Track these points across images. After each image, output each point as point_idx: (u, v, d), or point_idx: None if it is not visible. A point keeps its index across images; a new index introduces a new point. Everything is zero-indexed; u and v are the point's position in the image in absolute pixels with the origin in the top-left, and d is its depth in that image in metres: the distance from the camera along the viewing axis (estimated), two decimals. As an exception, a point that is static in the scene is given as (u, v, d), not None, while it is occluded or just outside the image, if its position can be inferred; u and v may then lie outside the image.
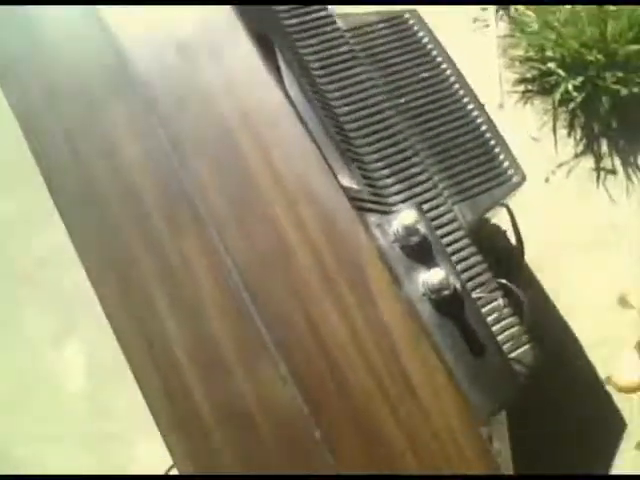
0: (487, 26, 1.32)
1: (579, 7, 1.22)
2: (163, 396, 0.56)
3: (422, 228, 0.61)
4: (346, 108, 0.77)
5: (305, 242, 0.60)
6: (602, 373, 1.09)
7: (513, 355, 0.67)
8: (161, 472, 0.81)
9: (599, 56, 1.17)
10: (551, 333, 1.10)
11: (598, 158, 1.24)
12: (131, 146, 0.62)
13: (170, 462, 0.52)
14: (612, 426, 1.08)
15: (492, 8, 1.32)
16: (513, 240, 0.97)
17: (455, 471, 0.53)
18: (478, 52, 1.31)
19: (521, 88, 1.28)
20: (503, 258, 0.91)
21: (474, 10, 1.33)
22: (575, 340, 1.11)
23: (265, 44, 0.69)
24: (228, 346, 0.56)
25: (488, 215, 0.94)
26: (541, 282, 1.14)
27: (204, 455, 0.51)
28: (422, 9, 1.30)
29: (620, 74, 1.18)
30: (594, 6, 1.20)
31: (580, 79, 1.19)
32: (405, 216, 0.59)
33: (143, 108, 0.60)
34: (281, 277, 0.59)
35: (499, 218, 1.01)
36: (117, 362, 1.12)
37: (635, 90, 1.18)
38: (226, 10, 0.64)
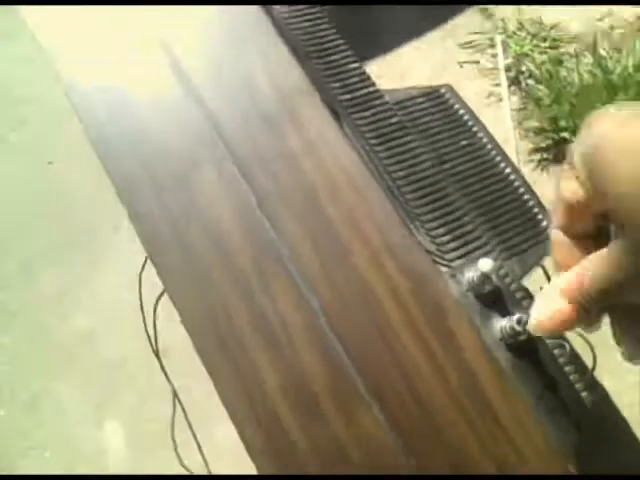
0: (500, 100, 1.41)
1: (589, 80, 1.32)
2: (268, 449, 0.58)
3: (494, 277, 0.66)
4: (401, 173, 0.83)
5: (388, 289, 0.64)
6: None
7: (583, 395, 0.70)
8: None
9: None
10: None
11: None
12: (224, 210, 0.67)
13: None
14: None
15: (505, 83, 1.41)
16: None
17: None
18: (494, 125, 1.39)
19: (537, 157, 1.36)
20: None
21: (487, 85, 1.43)
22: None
23: (332, 112, 0.75)
24: (321, 388, 0.59)
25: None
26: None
27: None
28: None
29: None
30: (604, 77, 1.30)
31: None
32: (483, 264, 0.64)
33: (232, 170, 0.65)
34: (367, 320, 0.62)
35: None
36: (156, 436, 1.12)
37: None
38: (302, 76, 0.70)
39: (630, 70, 1.30)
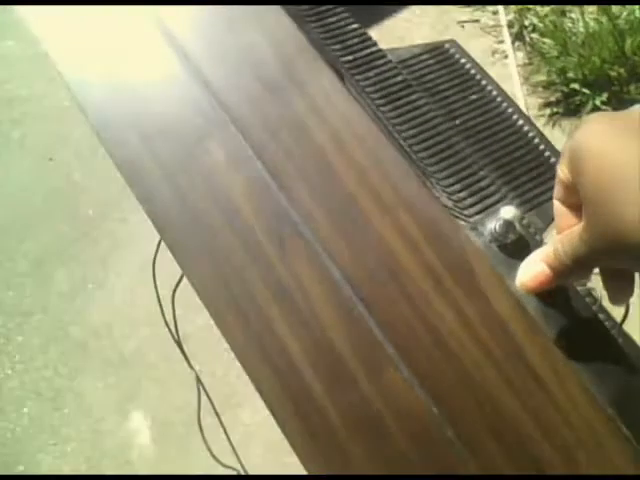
0: (506, 57, 1.37)
1: (596, 28, 1.28)
2: (295, 416, 0.56)
3: (518, 225, 0.63)
4: (411, 132, 0.80)
5: (407, 246, 0.61)
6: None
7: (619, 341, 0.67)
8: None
9: (621, 70, 1.21)
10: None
11: None
12: (232, 176, 0.64)
13: None
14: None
15: (508, 40, 1.37)
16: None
17: (590, 454, 0.53)
18: (500, 83, 1.35)
19: (547, 112, 1.32)
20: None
21: (491, 43, 1.39)
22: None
23: (336, 72, 0.72)
24: (348, 353, 0.56)
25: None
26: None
27: (338, 460, 0.51)
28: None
29: (644, 86, 1.23)
30: (610, 25, 1.26)
31: (605, 95, 1.23)
32: (506, 212, 0.61)
33: (239, 141, 0.63)
34: (391, 282, 0.60)
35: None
36: (181, 424, 1.11)
37: (661, 98, 1.23)
38: (304, 41, 0.67)
39: (637, 14, 1.26)
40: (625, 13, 1.25)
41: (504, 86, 1.38)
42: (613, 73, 1.21)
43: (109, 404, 1.19)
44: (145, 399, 1.20)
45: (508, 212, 0.60)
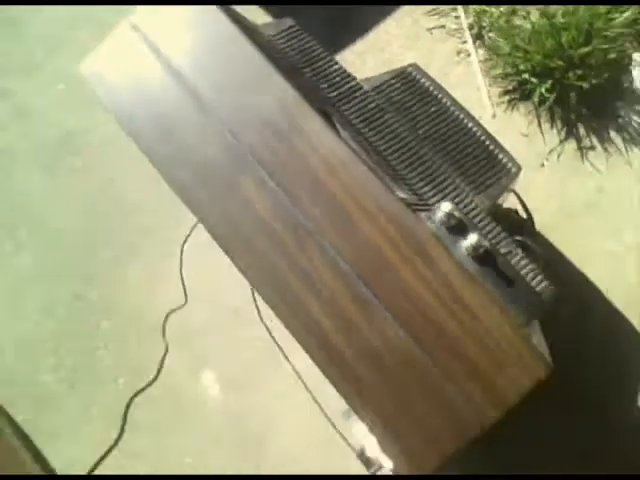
0: (469, 55, 1.64)
1: (538, 26, 1.54)
2: (325, 355, 0.88)
3: (457, 213, 0.92)
4: (385, 145, 1.09)
5: (382, 236, 0.92)
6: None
7: (537, 289, 0.98)
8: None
9: (560, 62, 1.48)
10: (571, 279, 1.41)
11: (579, 140, 1.54)
12: (261, 203, 0.95)
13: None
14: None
15: (470, 40, 1.64)
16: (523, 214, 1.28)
17: (504, 351, 0.84)
18: (467, 78, 1.62)
19: (506, 98, 1.59)
20: (519, 229, 1.22)
21: (456, 44, 1.65)
22: (590, 281, 1.41)
23: (324, 114, 1.01)
24: (352, 310, 0.88)
25: (502, 200, 1.25)
26: (555, 243, 1.44)
27: (355, 386, 0.83)
28: (416, 53, 1.65)
29: (579, 72, 1.48)
30: (548, 22, 1.51)
31: (550, 82, 1.50)
32: (444, 206, 0.91)
33: (263, 176, 0.93)
34: (376, 261, 0.91)
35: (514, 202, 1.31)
36: (246, 379, 1.43)
37: (593, 82, 1.48)
38: (296, 96, 0.96)
39: (570, 9, 1.51)
40: (560, 12, 1.50)
41: (468, 80, 1.70)
42: (554, 64, 1.48)
43: (184, 367, 1.50)
44: (214, 360, 1.50)
45: (446, 206, 0.90)
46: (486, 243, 0.90)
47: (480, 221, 1.01)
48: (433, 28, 1.67)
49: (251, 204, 0.92)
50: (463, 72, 1.63)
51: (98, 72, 1.01)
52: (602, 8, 1.50)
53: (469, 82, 1.61)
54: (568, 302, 1.23)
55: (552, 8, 1.53)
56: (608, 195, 1.49)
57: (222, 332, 1.50)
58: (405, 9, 1.69)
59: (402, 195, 0.96)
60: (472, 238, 0.89)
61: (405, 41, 1.67)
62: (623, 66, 1.53)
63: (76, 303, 1.58)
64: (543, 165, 1.54)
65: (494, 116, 1.59)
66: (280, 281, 0.89)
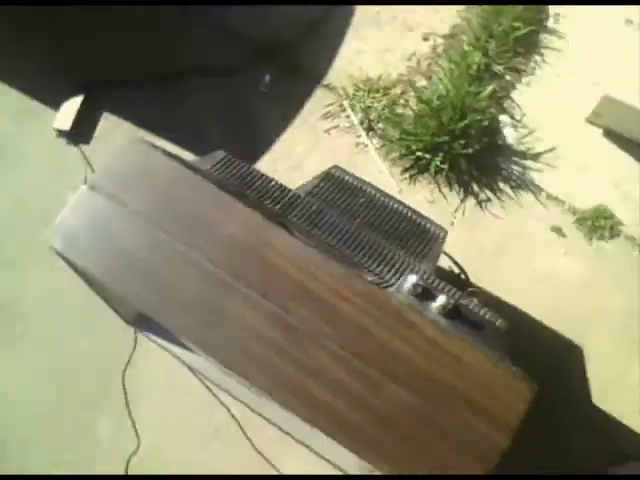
0: (366, 146, 1.87)
1: (419, 111, 1.80)
2: (346, 432, 0.99)
3: (421, 282, 1.09)
4: (334, 240, 1.25)
5: (357, 310, 1.05)
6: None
7: (497, 325, 1.15)
8: None
9: (445, 137, 1.73)
10: (508, 312, 1.61)
11: (475, 196, 1.79)
12: (252, 316, 1.07)
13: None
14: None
15: (363, 133, 1.87)
16: (456, 269, 1.48)
17: (493, 383, 0.99)
18: (370, 165, 1.84)
19: (407, 175, 1.82)
20: (458, 281, 1.41)
21: (353, 139, 1.88)
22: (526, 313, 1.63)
23: (282, 225, 1.16)
24: (357, 386, 1.00)
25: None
26: (484, 286, 1.65)
27: (379, 452, 0.95)
28: (319, 154, 1.85)
29: (463, 142, 1.74)
30: (428, 107, 1.78)
31: (441, 155, 1.75)
32: (411, 279, 1.07)
33: (246, 292, 1.05)
34: (366, 338, 1.04)
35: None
36: None
37: (476, 147, 1.75)
38: (257, 217, 1.09)
39: (443, 93, 1.79)
40: (435, 96, 1.78)
41: (371, 167, 1.93)
42: (440, 140, 1.73)
43: None
44: None
45: (411, 278, 1.06)
46: (452, 301, 1.07)
47: (437, 284, 1.18)
48: (329, 129, 1.90)
49: (242, 319, 1.03)
50: (365, 161, 1.85)
51: (66, 236, 1.09)
52: (469, 87, 1.80)
53: (372, 168, 1.84)
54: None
55: (427, 93, 1.81)
56: (511, 235, 1.74)
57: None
58: (301, 117, 1.91)
59: (369, 278, 1.11)
60: (441, 299, 1.05)
61: (308, 145, 1.88)
62: (495, 129, 1.81)
63: None
64: (453, 224, 1.77)
65: (400, 191, 1.81)
66: (289, 381, 1.00)
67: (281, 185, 1.34)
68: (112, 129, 1.89)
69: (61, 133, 1.84)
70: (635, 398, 1.53)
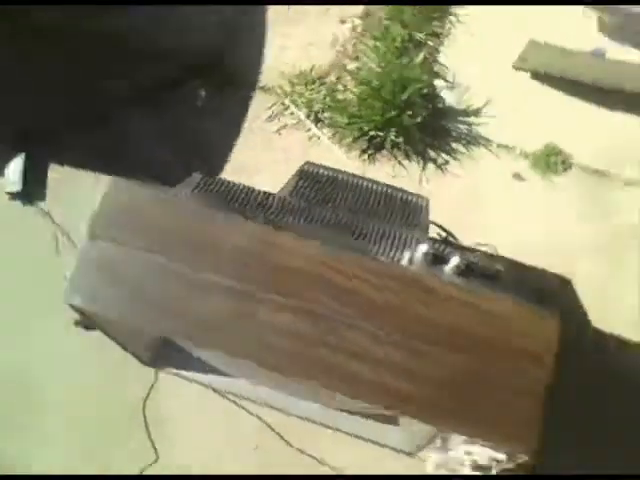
0: (318, 138, 1.91)
1: (360, 93, 1.85)
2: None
3: (431, 250, 1.14)
4: (331, 230, 1.29)
5: (381, 290, 1.09)
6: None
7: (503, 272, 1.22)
8: None
9: (392, 112, 1.79)
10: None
11: (434, 161, 1.87)
12: (281, 317, 1.09)
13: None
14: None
15: (312, 126, 1.90)
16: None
17: (522, 322, 1.05)
18: (327, 154, 1.88)
19: (365, 156, 1.88)
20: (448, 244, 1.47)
21: (305, 134, 1.90)
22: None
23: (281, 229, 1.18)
24: (406, 358, 1.04)
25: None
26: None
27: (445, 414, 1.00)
28: (274, 155, 1.87)
29: (409, 112, 1.81)
30: (368, 87, 1.83)
31: (393, 130, 1.81)
32: (421, 247, 1.12)
33: (274, 298, 1.07)
34: (401, 314, 1.08)
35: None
36: None
37: (423, 114, 1.82)
38: (255, 226, 1.11)
39: (377, 70, 1.85)
40: (373, 75, 1.83)
41: (329, 155, 1.96)
42: (388, 116, 1.79)
43: None
44: None
45: (422, 247, 1.11)
46: (464, 260, 1.12)
47: (442, 249, 1.23)
48: (278, 130, 1.92)
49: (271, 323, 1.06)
50: (321, 152, 1.89)
51: (82, 291, 1.09)
52: (397, 60, 1.86)
53: (330, 157, 1.88)
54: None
55: (362, 74, 1.86)
56: (473, 190, 1.82)
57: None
58: (247, 125, 1.93)
59: (382, 258, 1.15)
60: (454, 260, 1.11)
61: (261, 149, 1.90)
62: (434, 95, 1.89)
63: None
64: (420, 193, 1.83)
65: (364, 173, 1.85)
66: (336, 368, 1.03)
67: (264, 192, 1.36)
68: (62, 179, 1.85)
69: (14, 196, 1.79)
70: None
